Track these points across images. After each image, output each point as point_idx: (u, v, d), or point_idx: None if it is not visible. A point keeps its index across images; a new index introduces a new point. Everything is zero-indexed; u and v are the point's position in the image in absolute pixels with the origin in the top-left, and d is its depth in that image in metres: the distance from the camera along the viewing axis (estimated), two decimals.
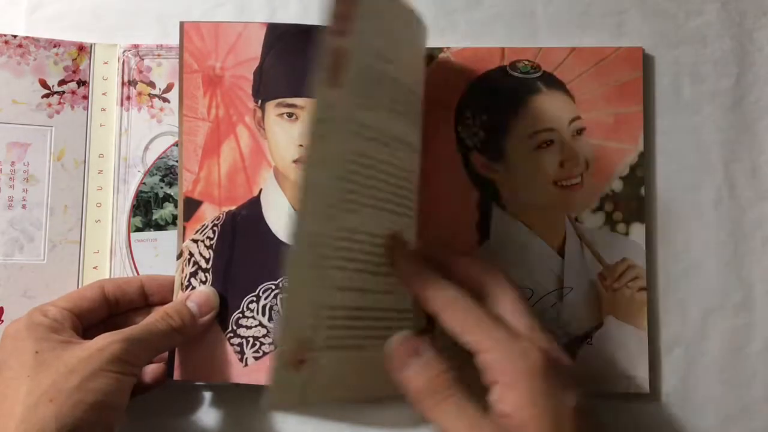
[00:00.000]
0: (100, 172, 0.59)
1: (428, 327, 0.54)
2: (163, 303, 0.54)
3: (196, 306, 0.53)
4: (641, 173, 0.57)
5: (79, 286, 0.57)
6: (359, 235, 0.46)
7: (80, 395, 0.44)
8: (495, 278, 0.46)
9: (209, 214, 0.55)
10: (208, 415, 0.57)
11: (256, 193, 0.56)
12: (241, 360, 0.55)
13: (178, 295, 0.55)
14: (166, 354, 0.54)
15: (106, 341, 0.47)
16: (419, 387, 0.43)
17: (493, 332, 0.43)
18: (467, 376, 0.43)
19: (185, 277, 0.55)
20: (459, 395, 0.42)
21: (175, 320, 0.51)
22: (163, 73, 0.59)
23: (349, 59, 0.43)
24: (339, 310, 0.46)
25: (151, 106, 0.59)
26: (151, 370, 0.54)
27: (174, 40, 0.56)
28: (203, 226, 0.55)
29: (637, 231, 0.57)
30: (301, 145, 0.54)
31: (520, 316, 0.44)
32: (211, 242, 0.55)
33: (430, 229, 0.57)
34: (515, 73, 0.58)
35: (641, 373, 0.56)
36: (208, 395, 0.58)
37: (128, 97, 0.59)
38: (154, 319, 0.51)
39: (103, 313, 0.53)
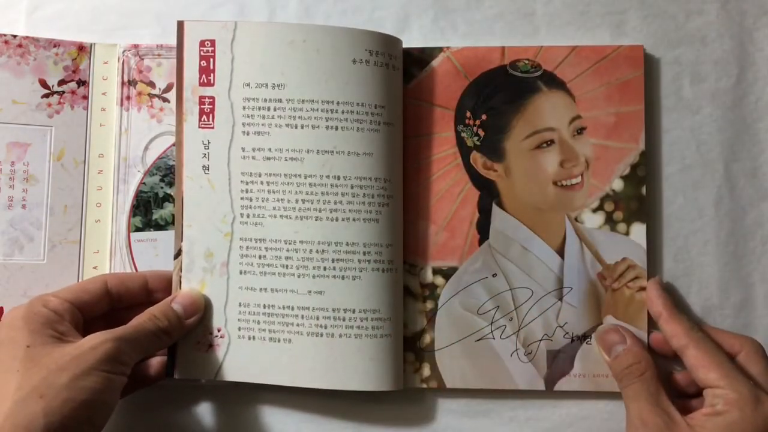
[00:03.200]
0: (100, 172, 0.59)
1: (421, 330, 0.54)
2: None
3: (182, 308, 0.53)
4: (642, 173, 0.57)
5: None
6: (268, 243, 0.54)
7: (70, 393, 0.44)
8: (749, 341, 0.53)
9: None
10: (208, 414, 0.57)
11: None
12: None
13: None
14: (165, 350, 0.54)
15: (98, 340, 0.47)
16: (617, 370, 0.53)
17: (734, 376, 0.49)
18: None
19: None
20: (647, 384, 0.51)
21: (162, 322, 0.51)
22: (163, 73, 0.59)
23: (216, 105, 0.55)
24: (250, 306, 0.55)
25: (151, 106, 0.59)
26: (154, 363, 0.55)
27: (174, 40, 0.56)
28: None
29: (638, 231, 0.57)
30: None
31: (763, 371, 0.51)
32: None
33: (430, 229, 0.57)
34: (515, 73, 0.58)
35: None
36: (208, 394, 0.58)
37: (128, 97, 0.59)
38: (142, 320, 0.51)
39: (104, 307, 0.53)
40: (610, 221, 0.57)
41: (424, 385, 0.57)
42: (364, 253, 0.54)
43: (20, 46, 0.58)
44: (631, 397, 0.51)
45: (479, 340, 0.56)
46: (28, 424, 0.43)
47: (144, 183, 0.58)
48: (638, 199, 0.57)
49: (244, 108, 0.55)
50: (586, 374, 0.56)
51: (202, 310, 0.55)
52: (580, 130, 0.57)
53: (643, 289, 0.56)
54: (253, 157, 0.55)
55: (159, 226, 0.58)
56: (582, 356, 0.56)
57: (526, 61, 0.58)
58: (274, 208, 0.54)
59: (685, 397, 0.54)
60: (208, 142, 0.55)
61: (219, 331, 0.55)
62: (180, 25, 0.56)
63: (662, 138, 0.59)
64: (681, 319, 0.53)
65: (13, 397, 0.44)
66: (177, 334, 0.53)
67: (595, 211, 0.57)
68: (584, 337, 0.56)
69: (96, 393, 0.45)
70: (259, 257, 0.54)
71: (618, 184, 0.57)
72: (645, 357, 0.52)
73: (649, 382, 0.51)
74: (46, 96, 0.58)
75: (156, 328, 0.51)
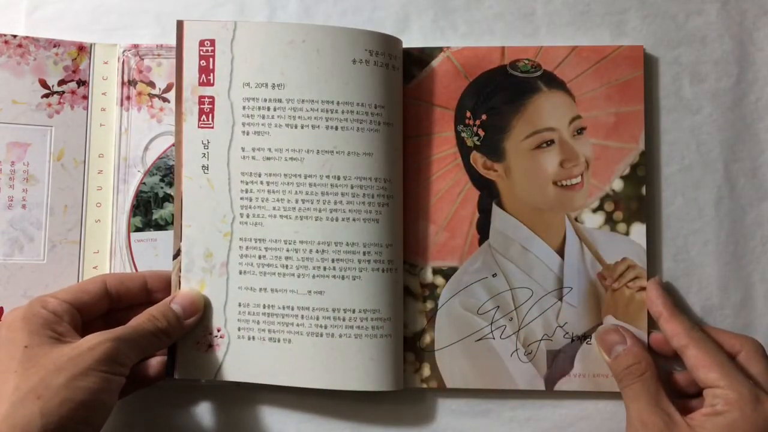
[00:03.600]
0: (100, 172, 0.59)
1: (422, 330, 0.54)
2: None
3: (181, 308, 0.53)
4: (642, 173, 0.57)
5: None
6: (267, 243, 0.54)
7: (68, 393, 0.44)
8: (750, 341, 0.53)
9: None
10: (207, 414, 0.57)
11: None
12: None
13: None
14: (165, 349, 0.54)
15: (97, 340, 0.47)
16: (617, 370, 0.53)
17: (734, 375, 0.49)
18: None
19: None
20: (648, 384, 0.51)
21: (161, 322, 0.51)
22: (163, 73, 0.59)
23: (216, 105, 0.55)
24: (250, 306, 0.55)
25: (151, 106, 0.59)
26: (154, 364, 0.55)
27: (174, 40, 0.56)
28: None
29: (638, 231, 0.57)
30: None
31: (764, 371, 0.51)
32: None
33: (430, 229, 0.57)
34: (515, 73, 0.58)
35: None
36: (208, 394, 0.58)
37: (128, 97, 0.59)
38: (141, 320, 0.51)
39: (103, 307, 0.53)
40: (610, 221, 0.57)
41: (424, 385, 0.57)
42: (364, 253, 0.54)
43: (20, 46, 0.58)
44: (631, 397, 0.51)
45: (479, 340, 0.56)
46: (25, 425, 0.43)
47: (144, 183, 0.58)
48: (638, 199, 0.57)
49: (243, 108, 0.55)
50: (586, 374, 0.56)
51: (202, 310, 0.55)
52: (580, 130, 0.57)
53: (643, 289, 0.56)
54: (253, 157, 0.55)
55: (159, 226, 0.58)
56: (582, 356, 0.56)
57: (526, 61, 0.58)
58: (273, 208, 0.54)
59: (686, 397, 0.54)
60: (208, 142, 0.55)
61: (219, 331, 0.55)
62: (179, 24, 0.56)
63: (662, 138, 0.59)
64: (681, 318, 0.53)
65: (10, 397, 0.44)
66: (176, 334, 0.53)
67: (595, 211, 0.57)
68: (584, 337, 0.56)
69: (94, 393, 0.45)
70: (259, 257, 0.54)
71: (618, 184, 0.57)
72: (645, 357, 0.52)
73: (649, 383, 0.51)
74: (46, 96, 0.58)
75: (155, 328, 0.51)
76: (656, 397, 0.50)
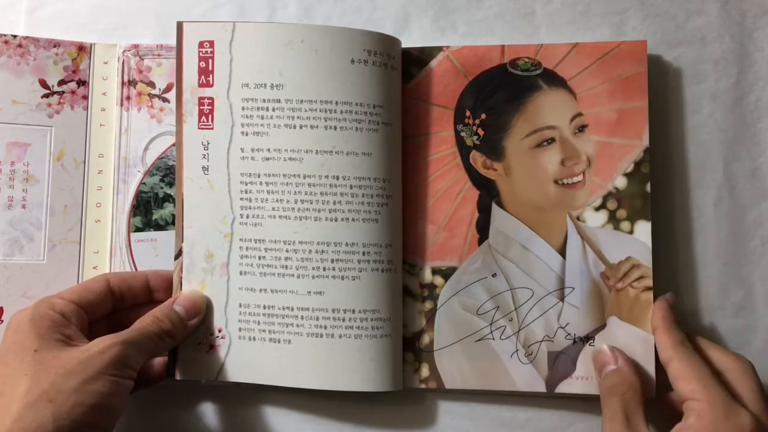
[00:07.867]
0: (100, 172, 0.59)
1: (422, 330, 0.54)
2: (168, 299, 0.55)
3: (183, 309, 0.53)
4: (646, 169, 0.56)
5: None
6: (267, 243, 0.54)
7: (79, 397, 0.44)
8: (741, 360, 0.51)
9: None
10: (208, 414, 0.57)
11: None
12: None
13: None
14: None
15: (106, 344, 0.47)
16: (602, 389, 0.53)
17: (711, 387, 0.47)
18: None
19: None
20: (626, 405, 0.50)
21: (165, 324, 0.51)
22: (163, 73, 0.59)
23: (215, 106, 0.55)
24: (250, 307, 0.55)
25: (151, 106, 0.59)
26: (155, 364, 0.55)
27: (174, 40, 0.56)
28: None
29: (642, 229, 0.56)
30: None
31: (751, 391, 0.49)
32: None
33: (429, 229, 0.57)
34: (515, 71, 0.58)
35: (647, 376, 0.55)
36: (208, 394, 0.58)
37: (128, 97, 0.59)
38: (145, 322, 0.51)
39: (107, 307, 0.53)
40: (614, 219, 0.56)
41: (423, 386, 0.56)
42: (364, 254, 0.54)
43: (20, 46, 0.58)
44: (607, 417, 0.50)
45: (479, 340, 0.56)
46: (37, 428, 0.43)
47: (144, 183, 0.58)
48: (642, 196, 0.56)
49: (243, 109, 0.55)
50: (589, 376, 0.55)
51: (204, 311, 0.55)
52: (582, 128, 0.57)
53: (648, 288, 0.55)
54: (252, 158, 0.55)
55: (159, 226, 0.58)
56: (584, 358, 0.55)
57: (526, 60, 0.58)
58: (273, 209, 0.54)
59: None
60: (208, 143, 0.55)
61: (220, 331, 0.55)
62: (179, 26, 0.56)
63: (662, 138, 0.58)
64: (674, 333, 0.52)
65: (22, 399, 0.44)
66: (180, 335, 0.53)
67: (597, 209, 0.57)
68: (587, 339, 0.56)
69: (105, 397, 0.45)
70: (259, 258, 0.54)
71: (621, 182, 0.56)
72: (629, 378, 0.51)
73: (629, 404, 0.50)
74: (46, 96, 0.58)
75: (159, 330, 0.51)
76: (631, 419, 0.49)
